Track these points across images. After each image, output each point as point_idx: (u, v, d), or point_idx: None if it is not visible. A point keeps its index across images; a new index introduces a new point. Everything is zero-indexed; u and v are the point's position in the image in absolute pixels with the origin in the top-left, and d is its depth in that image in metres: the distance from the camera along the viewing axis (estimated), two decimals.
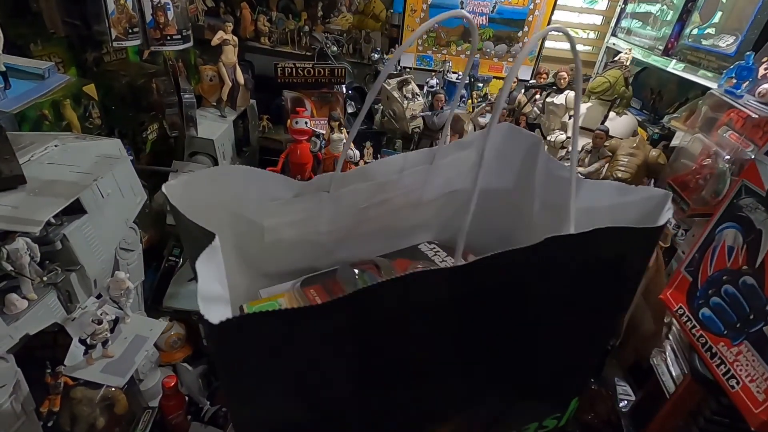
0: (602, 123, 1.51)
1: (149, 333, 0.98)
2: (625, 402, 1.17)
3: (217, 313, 0.29)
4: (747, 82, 1.08)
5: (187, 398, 1.20)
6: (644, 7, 1.77)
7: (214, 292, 0.32)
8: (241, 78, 1.71)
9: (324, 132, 1.37)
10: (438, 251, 0.60)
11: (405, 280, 0.34)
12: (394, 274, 0.54)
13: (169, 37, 1.38)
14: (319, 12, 2.10)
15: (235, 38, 1.67)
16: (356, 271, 0.52)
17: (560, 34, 0.42)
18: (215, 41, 1.64)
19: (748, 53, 1.06)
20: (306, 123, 1.37)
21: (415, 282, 0.35)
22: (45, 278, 0.85)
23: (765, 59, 1.09)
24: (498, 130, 0.59)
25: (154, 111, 1.68)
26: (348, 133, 1.39)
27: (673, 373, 0.95)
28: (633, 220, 0.47)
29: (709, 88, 1.35)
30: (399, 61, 1.83)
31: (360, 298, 0.33)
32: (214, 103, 1.77)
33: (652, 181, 1.50)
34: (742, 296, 0.76)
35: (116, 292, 0.91)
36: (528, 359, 0.46)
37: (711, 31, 1.36)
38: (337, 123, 1.32)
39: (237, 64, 1.72)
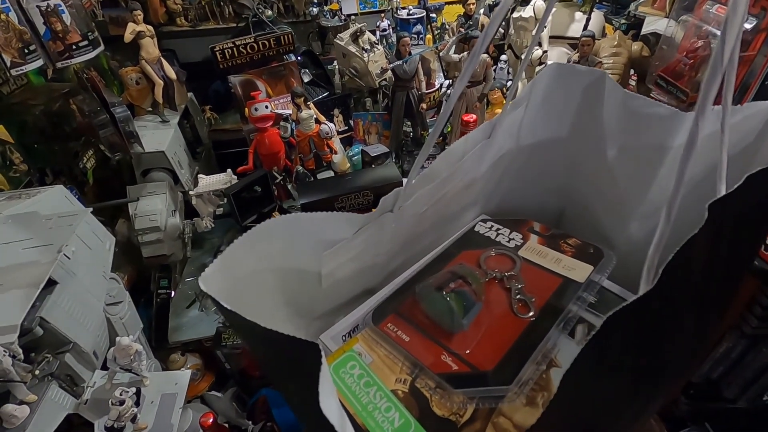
0: (584, 29, 1.41)
1: (176, 388, 0.88)
2: None
3: None
4: None
5: (227, 424, 1.14)
6: None
7: None
8: (172, 73, 1.48)
9: (290, 112, 1.21)
10: (499, 229, 0.52)
11: None
12: (480, 280, 0.46)
13: (75, 47, 1.15)
14: None
15: (150, 27, 1.43)
16: (444, 293, 0.43)
17: None
18: (128, 36, 1.39)
19: None
20: (266, 107, 1.20)
21: None
22: (37, 372, 0.72)
23: None
24: (546, 73, 0.49)
25: (84, 135, 1.45)
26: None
27: None
28: (737, 141, 0.40)
29: None
30: (341, 10, 1.63)
31: None
32: (150, 109, 1.55)
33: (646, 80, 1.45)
34: None
35: (125, 359, 0.79)
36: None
37: None
38: (302, 98, 1.16)
39: (161, 58, 1.48)
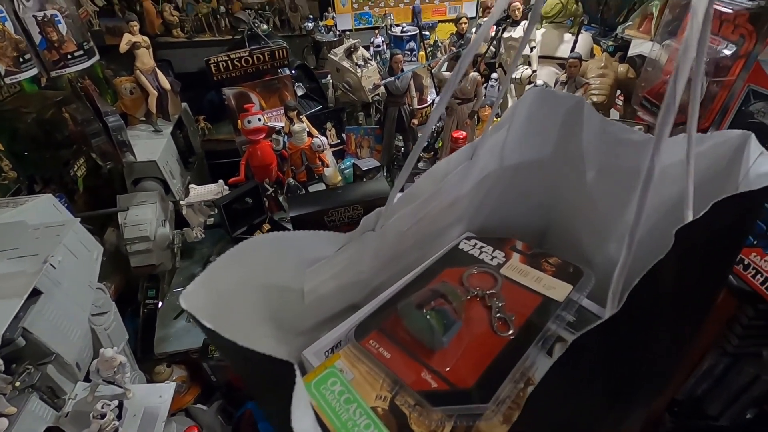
0: (572, 50, 1.44)
1: (159, 401, 0.87)
2: None
3: None
4: None
5: None
6: None
7: None
8: (166, 83, 1.50)
9: (283, 124, 1.23)
10: (482, 247, 0.53)
11: None
12: (461, 298, 0.46)
13: (70, 56, 1.16)
14: None
15: (146, 38, 1.44)
16: (425, 311, 0.44)
17: None
18: (123, 47, 1.40)
19: None
20: (259, 119, 1.22)
21: None
22: (17, 383, 0.72)
23: None
24: (528, 97, 0.51)
25: (76, 143, 1.45)
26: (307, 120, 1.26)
27: None
28: (707, 168, 0.42)
29: None
30: (336, 26, 1.66)
31: None
32: (143, 118, 1.56)
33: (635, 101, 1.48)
34: None
35: (108, 372, 0.78)
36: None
37: None
38: (294, 112, 1.17)
39: (157, 68, 1.50)
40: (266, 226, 1.23)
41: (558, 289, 0.47)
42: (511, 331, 0.46)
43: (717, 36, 1.06)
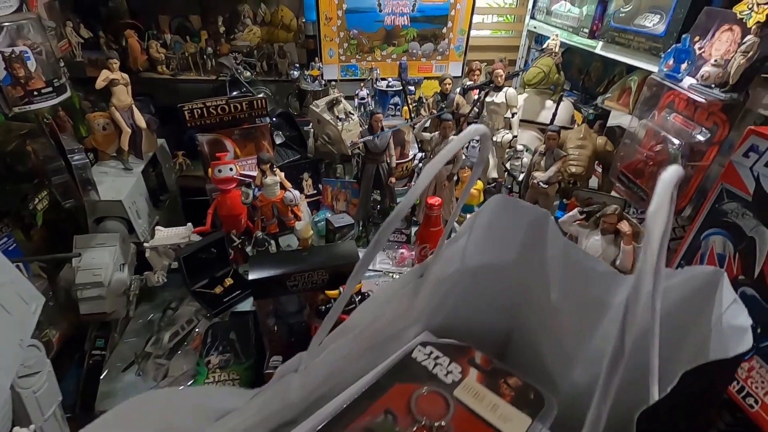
0: (551, 121, 1.46)
1: None
2: None
3: None
4: (686, 64, 1.06)
5: None
6: None
7: None
8: (141, 121, 1.46)
9: (255, 173, 1.19)
10: (438, 357, 0.48)
11: None
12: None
13: (36, 92, 1.11)
14: (221, 28, 1.86)
15: (125, 76, 1.42)
16: None
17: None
18: (100, 83, 1.37)
19: (684, 36, 1.03)
20: (231, 169, 1.17)
21: None
22: None
23: (697, 38, 1.08)
24: (490, 203, 0.48)
25: (38, 177, 1.39)
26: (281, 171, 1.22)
27: None
28: (677, 303, 0.38)
29: (643, 69, 1.35)
30: (322, 76, 1.67)
31: None
32: (114, 154, 1.50)
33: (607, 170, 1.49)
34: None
35: None
36: None
37: (631, 9, 1.34)
38: (267, 165, 1.14)
39: (133, 105, 1.46)
40: (228, 281, 1.16)
41: (515, 423, 0.42)
42: None
43: (692, 121, 1.08)
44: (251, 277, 0.94)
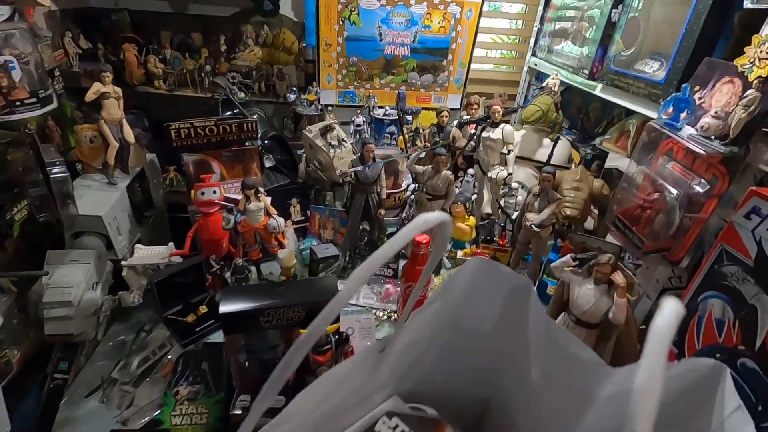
0: (547, 162, 1.44)
1: None
2: None
3: None
4: (685, 113, 1.04)
5: None
6: (560, 24, 1.75)
7: None
8: (130, 136, 1.42)
9: (240, 197, 1.15)
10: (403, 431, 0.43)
11: None
12: None
13: (19, 103, 1.08)
14: (223, 47, 1.85)
15: (118, 90, 1.39)
16: None
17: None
18: (90, 95, 1.34)
19: (684, 85, 1.01)
20: (215, 192, 1.13)
21: None
22: None
23: (697, 88, 1.06)
24: (469, 265, 0.43)
25: (18, 187, 1.34)
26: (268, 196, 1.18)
27: None
28: (674, 397, 0.34)
29: (642, 114, 1.33)
30: (319, 101, 1.65)
31: None
32: (100, 167, 1.46)
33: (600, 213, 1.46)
34: (744, 381, 0.66)
35: None
36: None
37: (631, 53, 1.33)
38: (252, 190, 1.10)
39: (124, 119, 1.43)
40: (203, 309, 1.11)
41: None
42: None
43: (691, 171, 1.05)
44: (222, 310, 0.89)
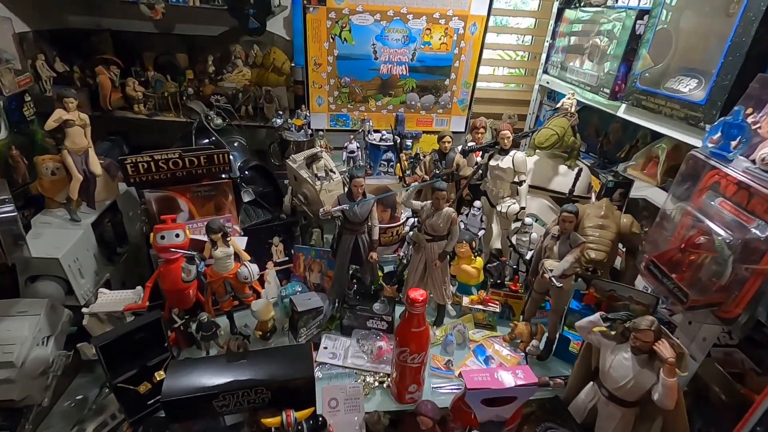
0: (569, 195, 1.25)
1: None
2: None
3: None
4: (737, 141, 0.85)
5: None
6: (575, 39, 1.59)
7: None
8: (97, 167, 1.28)
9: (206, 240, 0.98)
10: None
11: None
12: None
13: None
14: (211, 68, 1.73)
15: (84, 116, 1.25)
16: None
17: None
18: (50, 124, 1.21)
19: (736, 108, 0.83)
20: (178, 236, 0.97)
21: None
22: None
23: (750, 110, 0.88)
24: None
25: None
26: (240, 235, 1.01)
27: None
28: None
29: (673, 138, 1.15)
30: (309, 125, 1.49)
31: None
32: (64, 201, 1.32)
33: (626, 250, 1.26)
34: None
35: None
36: None
37: (659, 69, 1.16)
38: (219, 234, 0.94)
39: (91, 148, 1.29)
40: (159, 375, 0.93)
41: None
42: None
43: (745, 211, 0.86)
44: (164, 393, 0.72)
